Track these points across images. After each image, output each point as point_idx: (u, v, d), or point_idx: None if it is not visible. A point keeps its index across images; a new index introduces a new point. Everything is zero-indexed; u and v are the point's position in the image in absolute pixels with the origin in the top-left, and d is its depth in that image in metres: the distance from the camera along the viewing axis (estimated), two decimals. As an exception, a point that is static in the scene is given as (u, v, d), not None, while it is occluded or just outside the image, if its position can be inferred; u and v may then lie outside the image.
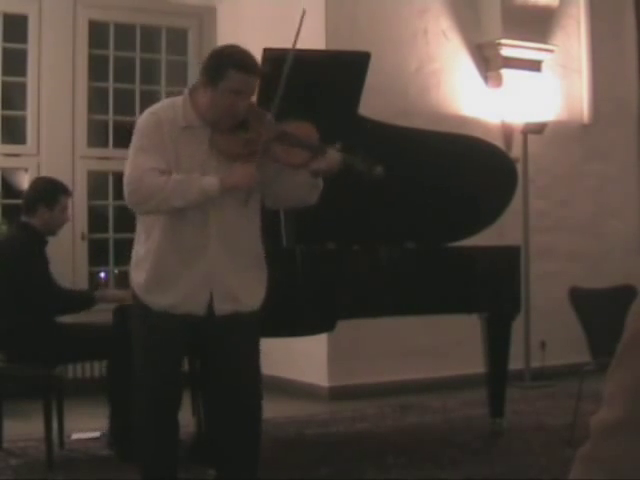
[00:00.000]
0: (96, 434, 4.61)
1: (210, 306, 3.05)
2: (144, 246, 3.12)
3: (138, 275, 3.12)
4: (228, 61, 3.03)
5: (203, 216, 3.03)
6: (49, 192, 4.40)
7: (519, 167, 5.53)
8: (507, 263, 4.59)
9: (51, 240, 4.49)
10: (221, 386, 3.17)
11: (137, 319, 3.18)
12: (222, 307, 3.05)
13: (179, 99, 3.14)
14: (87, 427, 4.73)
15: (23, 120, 6.26)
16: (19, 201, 6.19)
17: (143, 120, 3.13)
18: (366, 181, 3.24)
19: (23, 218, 4.46)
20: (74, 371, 5.88)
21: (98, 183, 6.48)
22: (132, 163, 3.04)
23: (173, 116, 3.04)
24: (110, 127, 6.50)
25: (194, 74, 6.78)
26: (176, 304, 3.05)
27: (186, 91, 3.14)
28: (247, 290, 3.11)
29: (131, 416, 3.27)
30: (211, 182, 2.99)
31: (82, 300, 4.45)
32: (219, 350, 3.13)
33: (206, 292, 3.04)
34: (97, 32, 6.45)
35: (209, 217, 3.04)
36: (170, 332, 3.08)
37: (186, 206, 2.98)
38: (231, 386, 3.13)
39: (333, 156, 3.12)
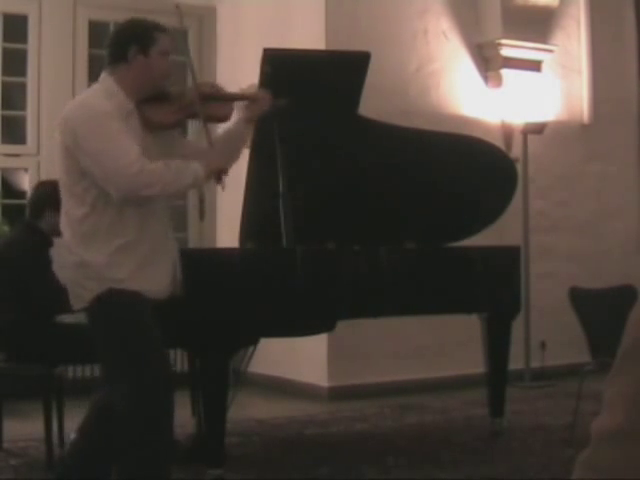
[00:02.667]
0: (96, 434, 4.60)
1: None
2: (115, 242, 2.96)
3: (116, 270, 2.97)
4: (149, 26, 3.08)
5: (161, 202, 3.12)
6: (55, 195, 4.42)
7: (519, 167, 5.53)
8: (507, 263, 4.58)
9: (51, 240, 4.52)
10: None
11: (126, 308, 3.02)
12: (175, 291, 3.18)
13: (106, 86, 3.00)
14: (87, 427, 4.72)
15: (23, 120, 6.26)
16: (19, 201, 6.23)
17: (97, 107, 2.94)
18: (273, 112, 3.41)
19: (29, 220, 4.49)
20: (74, 371, 5.88)
21: (98, 183, 6.47)
22: (118, 149, 2.87)
23: (116, 104, 2.96)
24: (110, 127, 6.49)
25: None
26: (162, 290, 3.10)
27: (108, 78, 3.01)
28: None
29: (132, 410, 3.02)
30: (197, 168, 3.01)
31: None
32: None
33: (171, 277, 3.15)
34: (97, 32, 6.45)
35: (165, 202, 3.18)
36: (154, 317, 3.08)
37: (181, 193, 3.15)
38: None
39: (264, 96, 3.30)
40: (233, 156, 3.26)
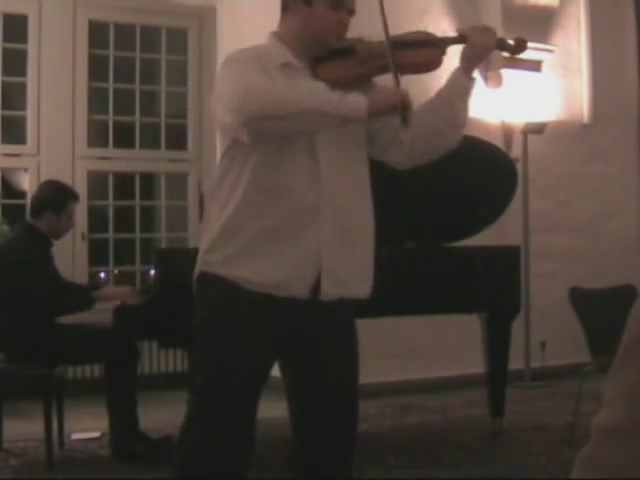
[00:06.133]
0: (96, 434, 4.61)
1: (315, 288, 2.33)
2: (224, 214, 2.32)
3: (216, 253, 2.33)
4: None
5: (314, 171, 2.31)
6: (57, 197, 4.45)
7: (519, 167, 5.53)
8: (507, 263, 4.58)
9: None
10: (315, 390, 2.52)
11: (215, 309, 2.36)
12: (330, 290, 2.35)
13: (263, 43, 2.49)
14: (87, 427, 4.73)
15: (23, 120, 6.26)
16: (19, 201, 6.23)
17: (238, 53, 2.40)
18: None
19: (29, 220, 4.49)
20: (74, 371, 5.88)
21: (98, 183, 6.48)
22: (238, 80, 2.24)
23: (267, 55, 2.39)
24: (110, 127, 6.50)
25: (194, 74, 6.79)
26: (282, 283, 2.29)
27: (270, 34, 2.50)
28: (356, 271, 2.43)
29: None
30: (357, 100, 2.23)
31: (82, 302, 4.44)
32: (315, 349, 2.44)
33: (314, 269, 2.31)
34: (97, 32, 6.45)
35: (321, 174, 2.32)
36: (267, 327, 2.33)
37: (322, 110, 2.19)
38: (327, 392, 2.49)
39: (480, 32, 2.50)
40: (450, 118, 2.64)
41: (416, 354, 6.08)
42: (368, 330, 5.60)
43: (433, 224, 4.57)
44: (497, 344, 4.58)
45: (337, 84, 2.38)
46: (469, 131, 5.36)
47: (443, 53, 2.52)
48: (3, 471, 3.98)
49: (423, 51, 2.55)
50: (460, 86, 2.57)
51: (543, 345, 6.63)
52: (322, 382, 2.46)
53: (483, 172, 4.59)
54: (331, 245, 2.32)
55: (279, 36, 2.45)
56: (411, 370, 6.07)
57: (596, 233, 7.02)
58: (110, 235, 6.48)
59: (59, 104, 6.25)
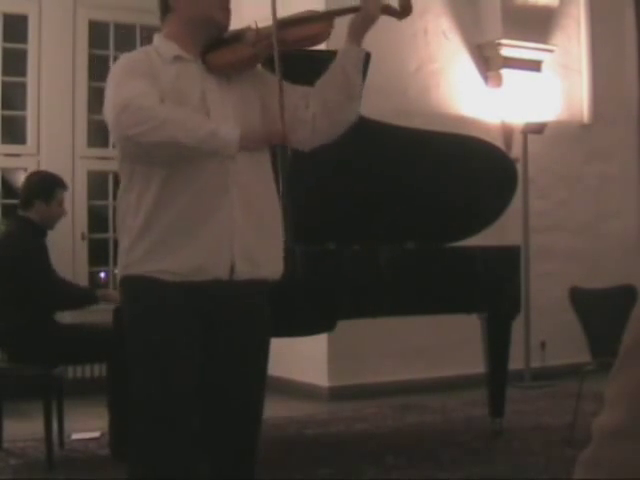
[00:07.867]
0: (96, 434, 4.61)
1: (233, 268, 2.37)
2: (137, 218, 2.36)
3: (136, 250, 2.36)
4: None
5: (218, 163, 2.34)
6: (45, 187, 4.42)
7: (519, 167, 5.53)
8: (507, 263, 4.58)
9: (51, 240, 4.49)
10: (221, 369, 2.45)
11: (139, 303, 2.39)
12: (243, 269, 2.38)
13: (153, 42, 2.54)
14: (87, 427, 4.73)
15: (23, 120, 6.27)
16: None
17: (125, 57, 2.49)
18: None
19: (20, 212, 4.47)
20: (74, 371, 5.88)
21: (98, 183, 6.48)
22: (117, 92, 2.30)
23: (156, 52, 2.45)
24: (110, 127, 6.49)
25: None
26: (204, 266, 2.33)
27: (157, 36, 2.55)
28: (267, 252, 2.46)
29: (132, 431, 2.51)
30: (229, 131, 2.30)
31: (84, 296, 4.44)
32: (228, 331, 2.43)
33: (230, 249, 2.35)
34: (97, 32, 6.45)
35: (225, 163, 2.36)
36: (193, 312, 2.36)
37: (188, 146, 2.25)
38: (233, 369, 2.46)
39: (372, 1, 2.48)
40: (347, 89, 2.54)
41: (416, 354, 6.08)
42: (368, 330, 5.64)
43: (433, 224, 4.57)
44: (497, 344, 4.58)
45: (231, 67, 2.49)
46: (469, 131, 5.40)
47: (330, 26, 2.53)
48: (3, 471, 3.98)
49: (308, 26, 2.55)
50: (353, 57, 2.55)
51: (543, 345, 6.63)
52: (229, 365, 2.45)
53: (483, 172, 4.59)
54: (242, 223, 2.37)
55: (165, 35, 2.51)
56: (411, 370, 6.07)
57: (596, 233, 7.02)
58: (110, 235, 6.48)
59: (59, 104, 6.25)
